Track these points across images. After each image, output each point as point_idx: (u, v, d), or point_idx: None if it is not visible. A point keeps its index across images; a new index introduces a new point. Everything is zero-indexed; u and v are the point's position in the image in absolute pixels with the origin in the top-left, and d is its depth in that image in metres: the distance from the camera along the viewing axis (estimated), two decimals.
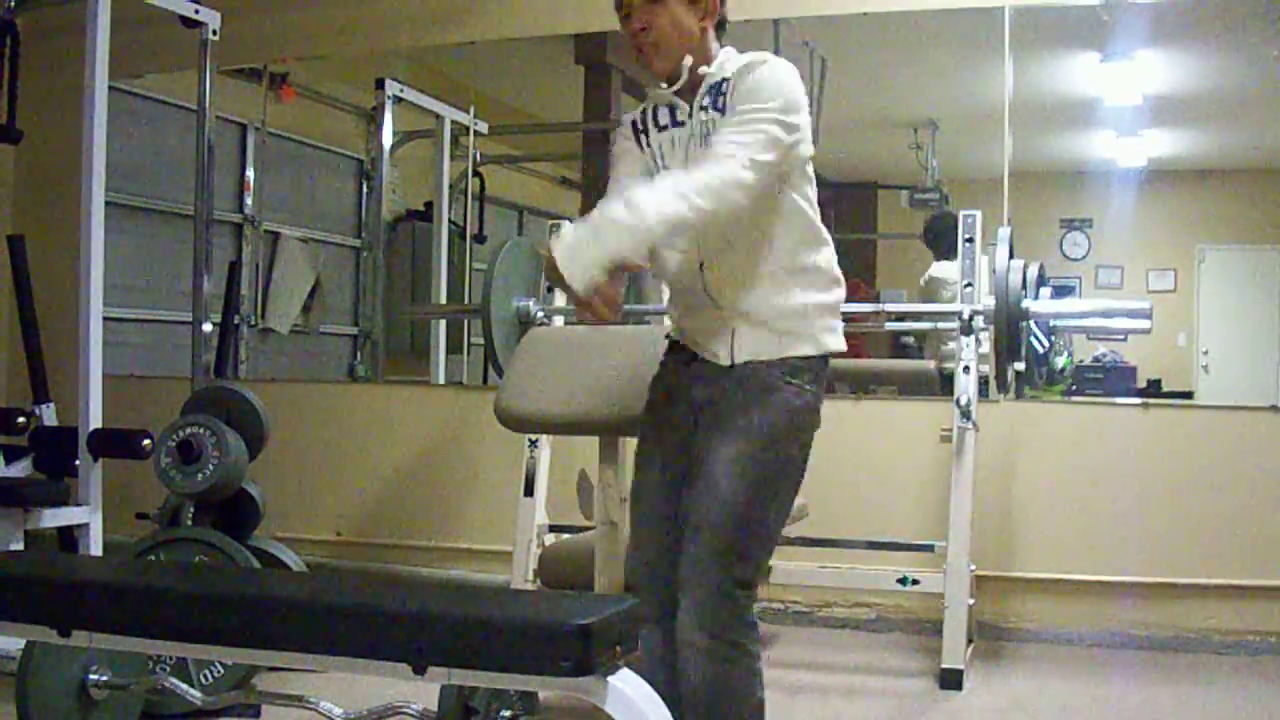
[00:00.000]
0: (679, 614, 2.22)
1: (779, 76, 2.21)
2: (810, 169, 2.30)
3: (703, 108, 2.27)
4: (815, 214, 2.31)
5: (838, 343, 2.33)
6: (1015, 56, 4.42)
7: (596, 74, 5.44)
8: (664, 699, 1.84)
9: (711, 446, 2.24)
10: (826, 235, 2.33)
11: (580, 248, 2.03)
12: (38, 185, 5.55)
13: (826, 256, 2.32)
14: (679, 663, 2.22)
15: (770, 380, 2.25)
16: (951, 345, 4.53)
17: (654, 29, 2.26)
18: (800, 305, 2.27)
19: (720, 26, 2.35)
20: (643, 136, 2.37)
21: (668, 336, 2.46)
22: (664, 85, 2.31)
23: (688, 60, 2.27)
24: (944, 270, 4.88)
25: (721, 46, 2.34)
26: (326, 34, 5.36)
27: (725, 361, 2.28)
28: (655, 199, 2.05)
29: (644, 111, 2.39)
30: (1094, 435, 4.29)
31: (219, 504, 3.57)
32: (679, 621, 2.22)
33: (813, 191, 2.31)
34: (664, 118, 2.34)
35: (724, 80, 2.25)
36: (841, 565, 4.17)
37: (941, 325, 4.39)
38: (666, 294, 2.49)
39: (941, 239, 4.96)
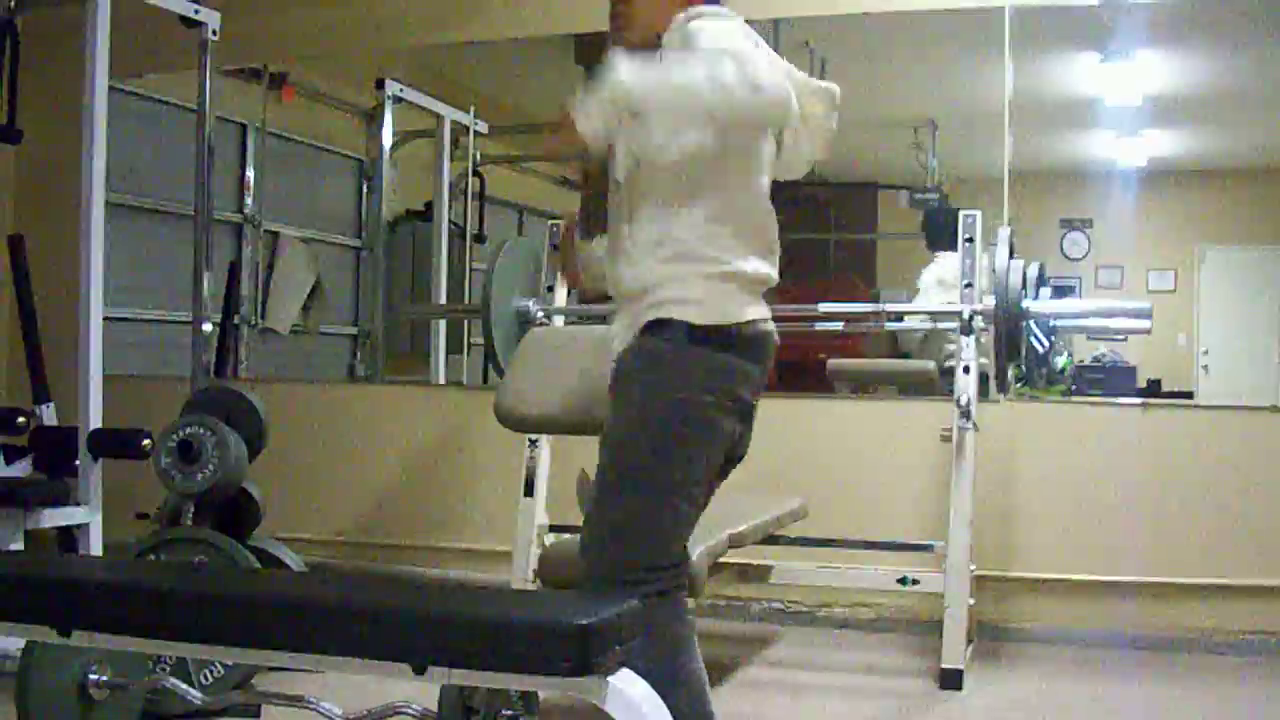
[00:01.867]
0: None
1: (716, 28, 2.15)
2: (758, 150, 2.25)
3: None
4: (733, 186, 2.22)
5: (691, 312, 2.17)
6: (1015, 56, 4.42)
7: (596, 74, 5.44)
8: None
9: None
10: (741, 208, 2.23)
11: (596, 92, 2.09)
12: (38, 185, 5.55)
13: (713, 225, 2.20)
14: None
15: (620, 370, 2.25)
16: (949, 347, 4.55)
17: (629, 6, 2.29)
18: (644, 277, 2.20)
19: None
20: None
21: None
22: None
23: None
24: (931, 275, 4.89)
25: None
26: (326, 34, 5.36)
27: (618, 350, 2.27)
28: (692, 65, 2.05)
29: None
30: (1094, 435, 4.29)
31: (219, 504, 3.56)
32: None
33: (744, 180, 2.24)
34: None
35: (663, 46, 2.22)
36: (841, 565, 4.17)
37: (941, 325, 4.40)
38: None
39: (940, 232, 4.97)
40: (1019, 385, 4.22)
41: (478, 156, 5.74)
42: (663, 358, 2.19)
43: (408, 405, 5.23)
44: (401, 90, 5.64)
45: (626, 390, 2.22)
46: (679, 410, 2.18)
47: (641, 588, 2.13)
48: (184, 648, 2.00)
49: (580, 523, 3.48)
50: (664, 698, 1.82)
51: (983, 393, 4.09)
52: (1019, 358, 3.94)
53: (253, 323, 5.64)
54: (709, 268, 2.19)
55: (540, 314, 4.19)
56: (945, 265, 4.87)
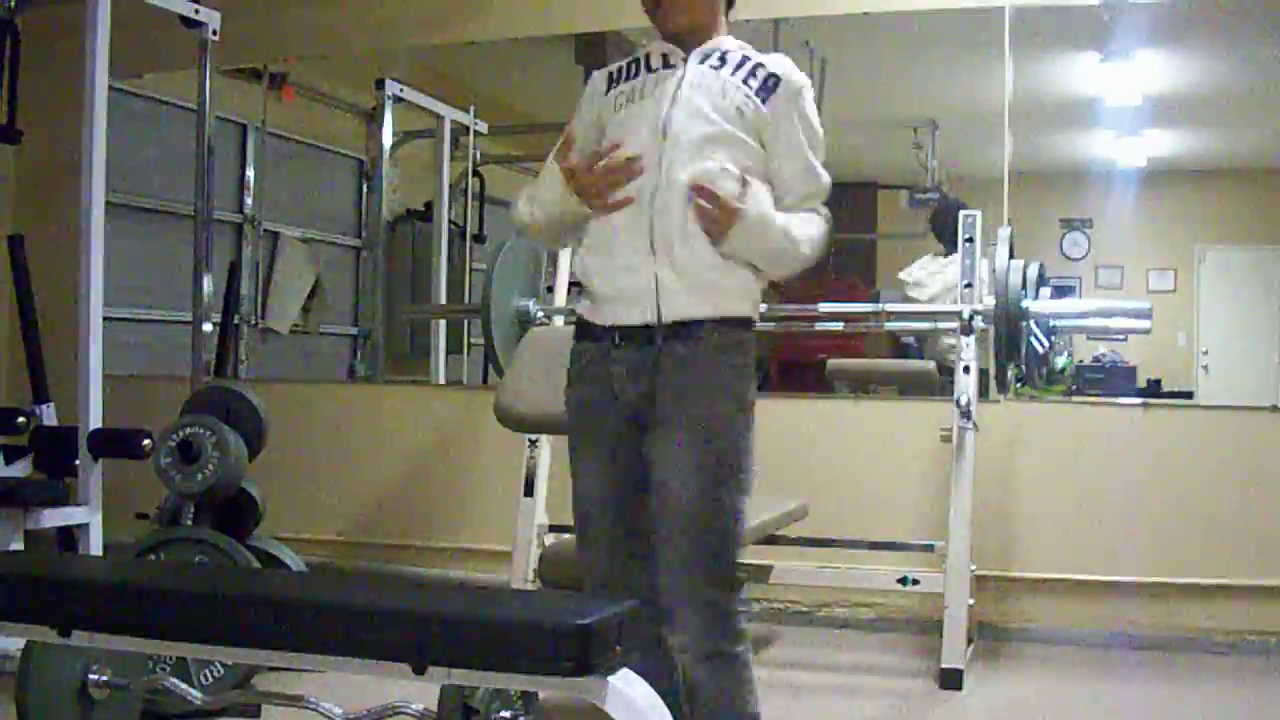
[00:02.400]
0: (672, 629, 2.17)
1: (819, 131, 2.27)
2: None
3: (713, 66, 2.23)
4: None
5: (756, 311, 2.27)
6: (1015, 56, 4.42)
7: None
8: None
9: (662, 449, 2.15)
10: None
11: (765, 226, 2.14)
12: (38, 185, 5.55)
13: None
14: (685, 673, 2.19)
15: (701, 362, 2.14)
16: (947, 340, 4.56)
17: None
18: (738, 270, 2.20)
19: (729, 3, 2.34)
20: (617, 83, 2.30)
21: (576, 320, 2.31)
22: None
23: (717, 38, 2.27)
24: (915, 273, 4.90)
25: (729, 23, 2.33)
26: (326, 34, 5.36)
27: (647, 319, 2.14)
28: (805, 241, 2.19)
29: (632, 61, 2.32)
30: (1094, 435, 4.29)
31: (219, 504, 3.56)
32: (675, 637, 2.17)
33: None
34: (656, 61, 2.28)
35: (762, 66, 2.22)
36: (841, 565, 4.17)
37: (942, 325, 4.39)
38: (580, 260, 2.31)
39: (948, 229, 4.97)
40: (1019, 385, 4.22)
41: (478, 156, 5.74)
42: (753, 380, 2.23)
43: (408, 405, 5.23)
44: (401, 90, 5.65)
45: (715, 398, 2.16)
46: (752, 430, 2.22)
47: (740, 592, 2.19)
48: (184, 648, 2.00)
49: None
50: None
51: (983, 393, 4.10)
52: (1019, 358, 3.94)
53: (253, 323, 5.64)
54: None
55: (540, 314, 4.19)
56: (921, 265, 4.90)
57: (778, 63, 2.26)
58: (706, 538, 2.13)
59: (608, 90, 2.32)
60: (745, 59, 2.24)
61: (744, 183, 2.12)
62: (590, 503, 2.26)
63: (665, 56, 2.28)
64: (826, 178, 2.25)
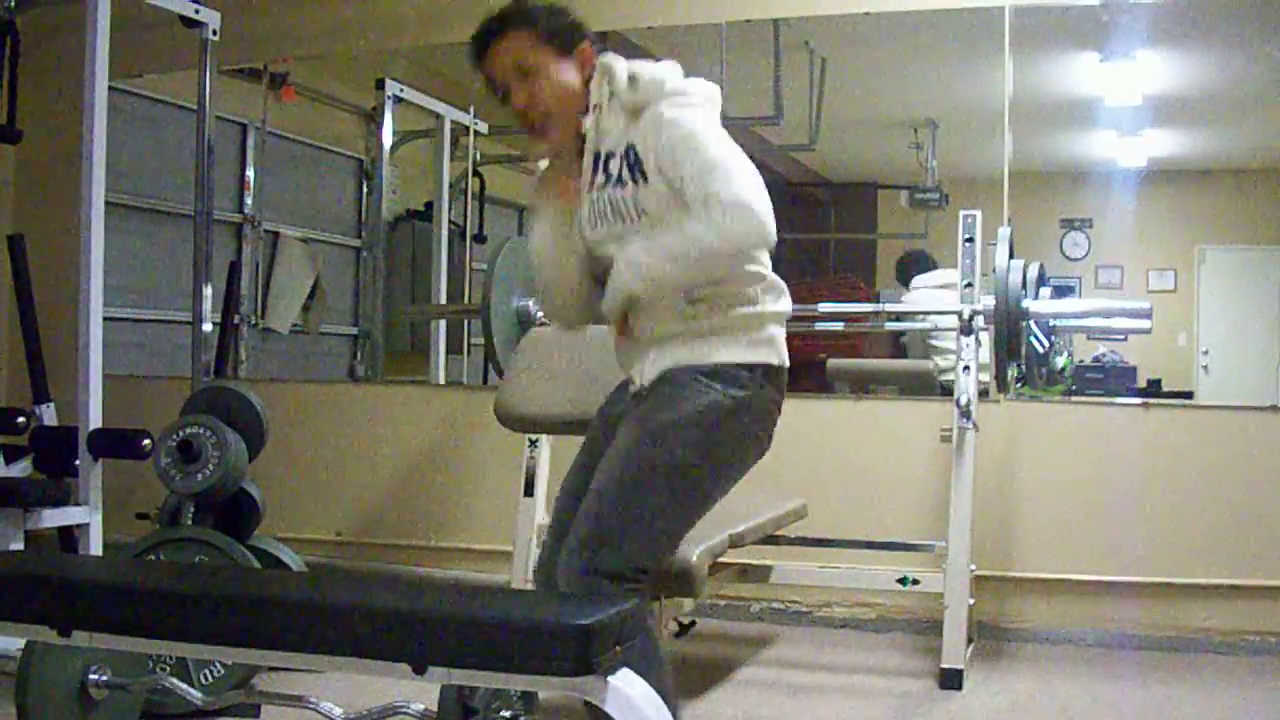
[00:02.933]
0: None
1: (688, 125, 2.15)
2: None
3: (600, 185, 2.23)
4: None
5: (770, 355, 2.25)
6: (1015, 56, 4.42)
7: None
8: None
9: (611, 444, 2.24)
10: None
11: (621, 276, 2.19)
12: (38, 185, 5.55)
13: (753, 274, 2.25)
14: None
15: (678, 381, 2.20)
16: (942, 343, 4.58)
17: (539, 99, 2.21)
18: (715, 324, 2.23)
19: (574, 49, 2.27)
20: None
21: None
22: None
23: (585, 120, 2.23)
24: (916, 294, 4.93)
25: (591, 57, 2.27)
26: (326, 34, 5.36)
27: (644, 382, 2.26)
28: (688, 248, 2.12)
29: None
30: (1094, 435, 4.29)
31: (219, 504, 3.57)
32: None
33: None
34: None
35: (622, 146, 2.19)
36: (841, 565, 4.17)
37: (941, 325, 4.40)
38: None
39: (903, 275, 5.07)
40: (1019, 385, 4.22)
41: (478, 156, 5.74)
42: (733, 405, 2.21)
43: (408, 405, 5.23)
44: (401, 90, 5.64)
45: (670, 405, 2.20)
46: (709, 457, 2.21)
47: (634, 587, 2.12)
48: (184, 648, 2.00)
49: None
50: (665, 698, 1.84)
51: (983, 393, 4.10)
52: (1019, 358, 3.94)
53: (253, 323, 5.64)
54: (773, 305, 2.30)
55: (540, 314, 4.19)
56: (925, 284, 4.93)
57: (625, 113, 2.20)
58: (604, 525, 2.14)
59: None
60: (609, 156, 2.21)
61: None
62: (562, 490, 2.39)
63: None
64: (711, 174, 2.11)
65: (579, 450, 2.43)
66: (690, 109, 2.18)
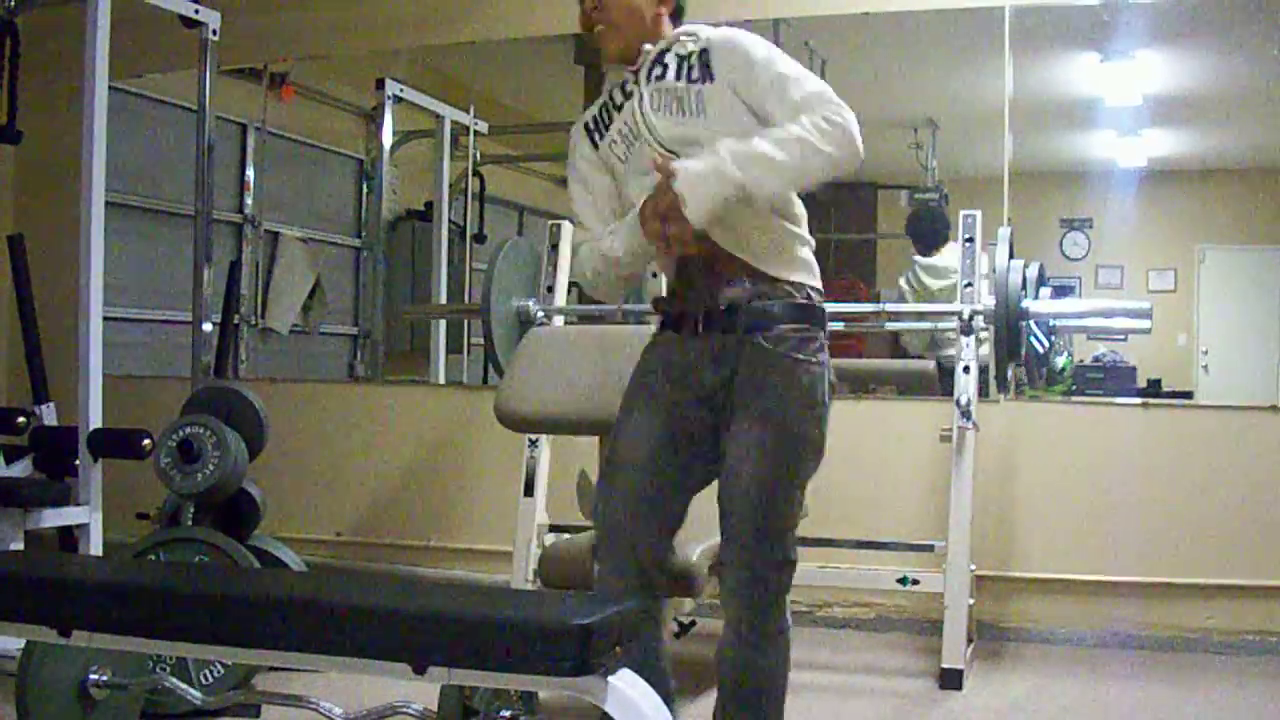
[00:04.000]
0: (722, 593, 2.30)
1: (764, 43, 2.27)
2: None
3: (659, 76, 2.28)
4: None
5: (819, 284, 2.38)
6: (1015, 56, 4.42)
7: (596, 74, 5.44)
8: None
9: (736, 434, 2.27)
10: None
11: (706, 179, 2.11)
12: (38, 185, 5.55)
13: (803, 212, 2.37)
14: (720, 640, 2.30)
15: (780, 357, 2.26)
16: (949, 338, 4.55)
17: (605, 7, 2.31)
18: (796, 234, 2.33)
19: (678, 14, 2.38)
20: (597, 134, 2.39)
21: (658, 308, 2.44)
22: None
23: (647, 47, 2.30)
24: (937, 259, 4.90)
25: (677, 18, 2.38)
26: (326, 34, 5.36)
27: (728, 299, 2.27)
28: (790, 142, 2.13)
29: (601, 106, 2.41)
30: (1094, 435, 4.29)
31: (219, 504, 3.57)
32: (723, 600, 2.30)
33: None
34: (618, 96, 2.37)
35: (693, 53, 2.26)
36: (841, 565, 4.17)
37: (941, 325, 4.40)
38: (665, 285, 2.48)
39: (925, 233, 5.00)
40: (1019, 385, 4.22)
41: (478, 156, 5.74)
42: (826, 371, 2.32)
43: (408, 405, 5.23)
44: (401, 90, 5.64)
45: (786, 390, 2.26)
46: (824, 425, 2.32)
47: (790, 573, 2.30)
48: (184, 648, 2.00)
49: (580, 523, 3.49)
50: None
51: (983, 392, 4.10)
52: (1019, 358, 3.94)
53: (253, 323, 5.64)
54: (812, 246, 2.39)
55: (540, 314, 4.19)
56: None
57: (704, 35, 2.30)
58: (768, 524, 2.26)
59: (595, 144, 2.40)
60: (680, 56, 2.28)
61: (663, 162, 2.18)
62: (630, 452, 2.34)
63: (624, 87, 2.35)
64: (807, 81, 2.21)
65: (639, 407, 2.36)
66: (769, 45, 2.28)
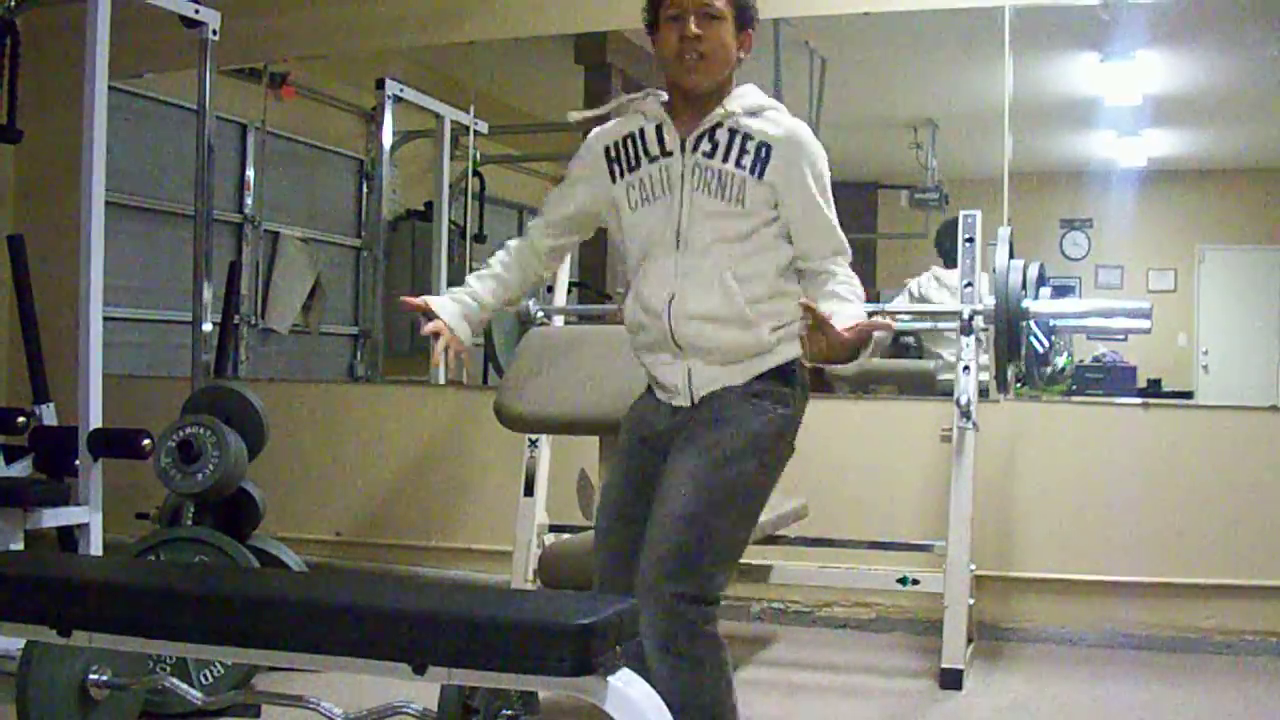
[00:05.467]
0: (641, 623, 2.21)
1: (824, 163, 2.31)
2: None
3: (707, 154, 2.28)
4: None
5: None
6: (1015, 56, 4.42)
7: (596, 74, 5.44)
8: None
9: (671, 465, 2.27)
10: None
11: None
12: (38, 185, 5.55)
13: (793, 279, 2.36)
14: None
15: (729, 402, 2.28)
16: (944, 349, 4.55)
17: (707, 40, 2.28)
18: (765, 339, 2.29)
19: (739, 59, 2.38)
20: (618, 166, 2.37)
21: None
22: (661, 99, 2.35)
23: (731, 99, 2.32)
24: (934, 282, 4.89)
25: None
26: (326, 34, 5.36)
27: (684, 403, 2.31)
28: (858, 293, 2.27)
29: (627, 137, 2.37)
30: (1094, 435, 4.29)
31: (219, 504, 3.57)
32: (641, 631, 2.18)
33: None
34: (653, 145, 2.34)
35: (750, 139, 2.27)
36: (841, 565, 4.17)
37: (941, 325, 4.39)
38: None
39: (952, 248, 4.98)
40: (1018, 385, 4.22)
41: (478, 156, 5.74)
42: (782, 423, 2.31)
43: (408, 405, 5.23)
44: (401, 90, 5.64)
45: (729, 426, 2.26)
46: (769, 469, 2.31)
47: (715, 606, 2.22)
48: (184, 648, 2.00)
49: (580, 523, 3.49)
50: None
51: (983, 393, 4.09)
52: (1019, 358, 3.94)
53: (253, 323, 5.64)
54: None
55: (540, 314, 4.19)
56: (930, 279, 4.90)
57: (773, 122, 2.30)
58: (686, 552, 2.19)
59: (612, 172, 2.39)
60: (734, 134, 2.29)
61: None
62: (606, 508, 2.40)
63: (660, 133, 2.33)
64: (836, 223, 2.31)
65: (613, 468, 2.45)
66: (826, 170, 2.33)
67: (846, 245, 2.32)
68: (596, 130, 2.45)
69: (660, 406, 2.37)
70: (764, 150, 2.27)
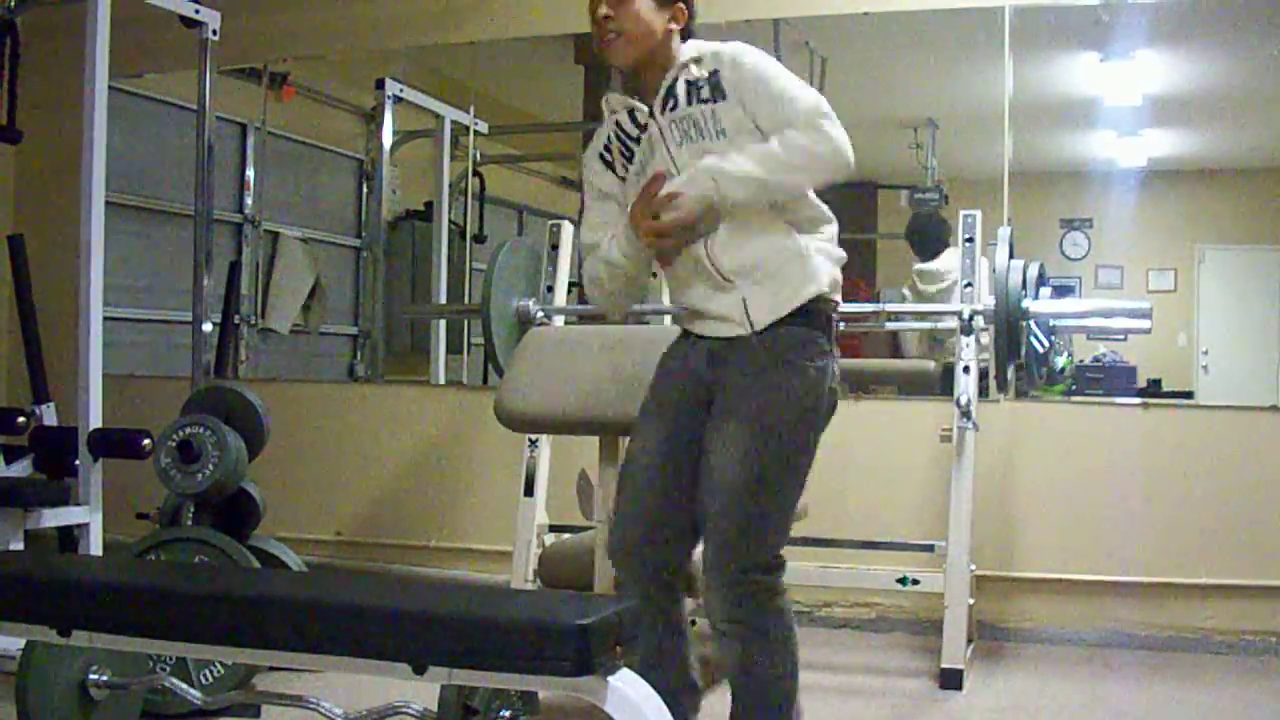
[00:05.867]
0: (706, 599, 2.31)
1: (767, 60, 2.33)
2: None
3: (673, 108, 2.34)
4: None
5: (838, 276, 2.39)
6: (1015, 56, 4.42)
7: (596, 74, 5.44)
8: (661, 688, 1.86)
9: (720, 435, 2.30)
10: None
11: (699, 180, 2.23)
12: (38, 185, 5.55)
13: (817, 204, 2.40)
14: (720, 645, 2.34)
15: (777, 359, 2.30)
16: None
17: (618, 18, 2.33)
18: (802, 245, 2.33)
19: (687, 33, 2.42)
20: (619, 164, 2.43)
21: (679, 324, 2.51)
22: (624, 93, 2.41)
23: (680, 57, 2.36)
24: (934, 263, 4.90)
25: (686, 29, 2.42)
26: (326, 34, 5.37)
27: (742, 330, 2.32)
28: (767, 157, 2.24)
29: (610, 135, 2.44)
30: (1094, 435, 4.29)
31: (219, 504, 3.57)
32: (707, 606, 2.31)
33: None
34: (632, 129, 2.40)
35: (703, 76, 2.33)
36: (841, 565, 4.17)
37: (941, 325, 4.39)
38: (667, 296, 2.58)
39: (924, 238, 5.00)
40: (1018, 385, 4.22)
41: (478, 156, 5.74)
42: (824, 376, 2.35)
43: (408, 405, 5.23)
44: (401, 90, 5.64)
45: (778, 392, 2.30)
46: (816, 430, 2.37)
47: (779, 573, 2.30)
48: (184, 648, 2.00)
49: (580, 523, 3.49)
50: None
51: (983, 393, 4.09)
52: (1019, 358, 3.94)
53: (253, 323, 5.64)
54: (830, 230, 2.41)
55: (540, 314, 4.19)
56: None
57: (711, 55, 2.36)
58: (749, 524, 2.27)
59: (616, 172, 2.45)
60: (689, 82, 2.35)
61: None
62: (637, 465, 2.41)
63: (633, 116, 2.40)
64: (802, 96, 2.31)
65: (644, 430, 2.44)
66: (771, 60, 2.35)
67: (805, 108, 2.28)
68: (586, 151, 2.52)
69: (698, 346, 2.38)
70: (714, 75, 2.33)
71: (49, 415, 4.28)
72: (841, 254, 2.41)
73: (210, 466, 3.47)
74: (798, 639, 2.34)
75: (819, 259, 2.34)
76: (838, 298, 2.38)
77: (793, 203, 2.33)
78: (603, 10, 2.35)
